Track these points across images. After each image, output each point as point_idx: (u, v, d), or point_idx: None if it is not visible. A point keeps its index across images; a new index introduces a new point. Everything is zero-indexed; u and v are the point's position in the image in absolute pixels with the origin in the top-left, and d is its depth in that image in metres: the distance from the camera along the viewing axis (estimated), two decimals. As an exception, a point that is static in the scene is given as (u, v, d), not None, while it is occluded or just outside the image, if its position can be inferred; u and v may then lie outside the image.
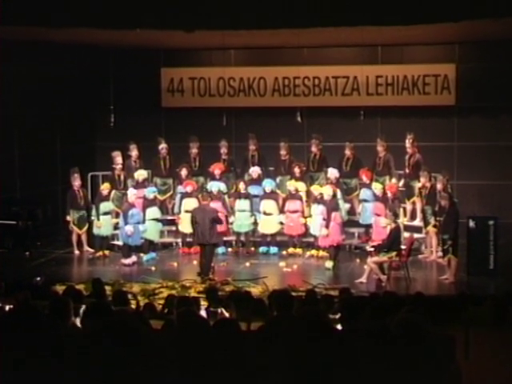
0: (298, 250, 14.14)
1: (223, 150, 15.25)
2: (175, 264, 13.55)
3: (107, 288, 9.97)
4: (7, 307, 6.79)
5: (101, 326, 4.61)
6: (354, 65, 16.00)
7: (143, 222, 13.76)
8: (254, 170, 14.72)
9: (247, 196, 14.35)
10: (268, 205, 14.26)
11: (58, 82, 15.69)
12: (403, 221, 13.51)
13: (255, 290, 11.03)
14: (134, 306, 8.09)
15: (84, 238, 14.42)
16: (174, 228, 15.00)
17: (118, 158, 14.78)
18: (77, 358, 4.47)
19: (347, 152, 14.77)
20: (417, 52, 16.01)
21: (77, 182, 14.22)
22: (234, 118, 16.59)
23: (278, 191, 14.76)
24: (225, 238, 14.28)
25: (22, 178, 15.00)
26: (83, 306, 6.85)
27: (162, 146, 15.02)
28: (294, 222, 14.10)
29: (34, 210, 14.71)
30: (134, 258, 13.57)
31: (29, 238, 14.35)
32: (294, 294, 8.37)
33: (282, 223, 14.26)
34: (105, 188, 14.30)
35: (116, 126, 16.52)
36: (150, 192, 14.13)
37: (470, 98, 15.56)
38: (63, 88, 15.81)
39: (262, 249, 14.31)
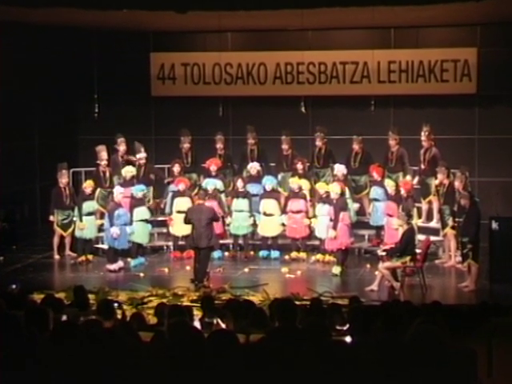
0: (302, 255, 14.13)
1: (219, 145, 15.24)
2: (166, 270, 13.53)
3: (91, 297, 9.98)
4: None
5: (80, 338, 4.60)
6: (363, 49, 15.98)
7: (131, 223, 13.75)
8: (253, 166, 14.71)
9: (246, 195, 14.34)
10: (268, 204, 14.25)
11: (36, 68, 15.66)
12: (417, 222, 13.50)
13: (255, 299, 11.01)
14: (119, 316, 8.08)
15: (68, 241, 14.42)
16: (164, 230, 14.99)
17: (103, 153, 14.76)
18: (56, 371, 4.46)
19: (356, 146, 14.75)
20: (434, 35, 15.99)
21: (64, 179, 14.23)
22: (231, 108, 16.59)
23: (279, 189, 14.75)
24: (221, 241, 14.25)
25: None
26: (64, 317, 6.85)
27: (141, 155, 14.88)
28: (298, 224, 14.09)
29: (10, 211, 14.70)
30: (120, 264, 13.56)
31: (4, 240, 14.34)
32: (297, 302, 8.35)
33: (284, 225, 14.25)
34: (88, 186, 14.29)
35: (100, 118, 16.49)
36: (138, 190, 14.12)
37: (492, 86, 15.55)
38: (42, 75, 15.79)
39: (262, 253, 14.31)
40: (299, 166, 14.50)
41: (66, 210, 14.26)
